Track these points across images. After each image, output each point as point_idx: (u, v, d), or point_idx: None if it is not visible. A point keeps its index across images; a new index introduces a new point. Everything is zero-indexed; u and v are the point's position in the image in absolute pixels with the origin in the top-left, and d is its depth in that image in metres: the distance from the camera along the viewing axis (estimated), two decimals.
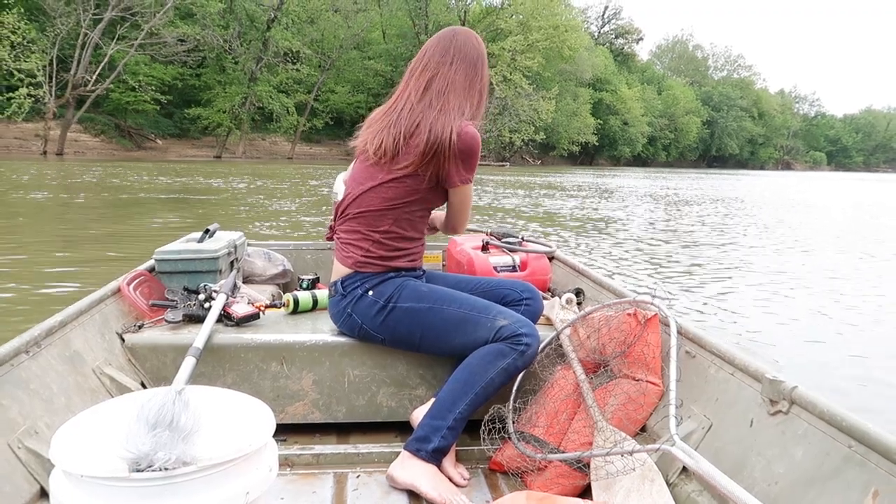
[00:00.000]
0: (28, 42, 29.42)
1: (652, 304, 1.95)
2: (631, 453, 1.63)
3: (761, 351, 4.26)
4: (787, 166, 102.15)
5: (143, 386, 1.93)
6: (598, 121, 58.97)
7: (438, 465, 1.79)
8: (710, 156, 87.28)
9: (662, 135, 73.47)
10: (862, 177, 72.01)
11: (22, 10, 29.48)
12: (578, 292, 2.64)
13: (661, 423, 1.84)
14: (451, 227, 2.16)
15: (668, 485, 1.63)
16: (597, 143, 60.23)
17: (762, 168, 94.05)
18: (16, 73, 29.01)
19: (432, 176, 1.90)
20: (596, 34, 75.63)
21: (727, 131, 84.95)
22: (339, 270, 2.01)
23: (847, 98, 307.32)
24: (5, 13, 28.77)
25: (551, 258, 3.05)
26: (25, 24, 29.28)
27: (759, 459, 1.50)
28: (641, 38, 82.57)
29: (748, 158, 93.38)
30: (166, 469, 1.07)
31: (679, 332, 1.89)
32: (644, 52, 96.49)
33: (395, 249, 1.96)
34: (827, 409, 1.37)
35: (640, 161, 71.36)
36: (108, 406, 1.29)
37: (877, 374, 3.93)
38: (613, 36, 79.84)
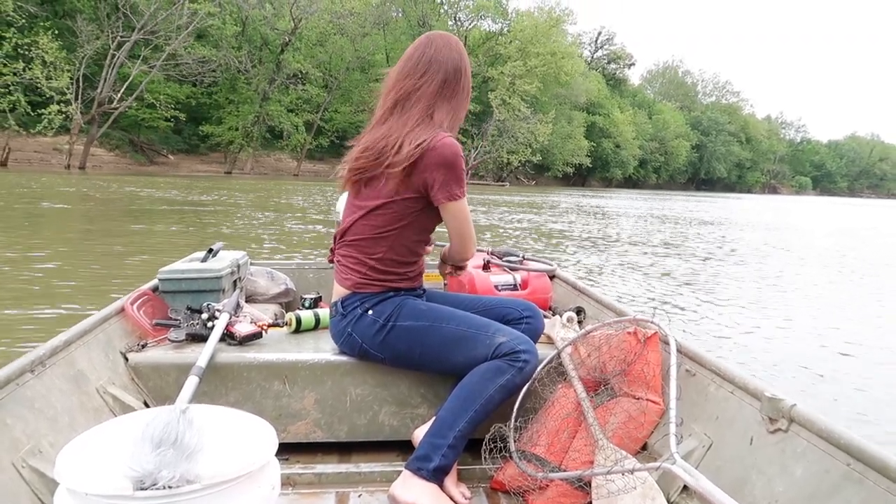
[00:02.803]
0: (60, 62, 29.83)
1: (652, 322, 1.91)
2: (632, 472, 1.59)
3: (759, 368, 4.21)
4: (774, 190, 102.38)
5: (147, 405, 1.88)
6: (592, 143, 59.21)
7: (440, 484, 1.73)
8: (699, 179, 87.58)
9: (653, 158, 73.74)
10: (846, 201, 72.20)
11: (55, 31, 29.94)
12: (579, 311, 2.59)
13: (662, 442, 1.80)
14: (457, 252, 2.05)
15: (669, 503, 1.60)
16: (590, 165, 60.52)
17: (749, 191, 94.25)
18: (47, 90, 29.44)
19: (419, 196, 1.83)
20: (589, 59, 76.00)
21: (716, 155, 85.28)
22: (339, 291, 1.97)
23: (832, 125, 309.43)
24: (40, 35, 29.17)
25: (552, 277, 3.00)
26: (58, 44, 29.69)
27: (759, 477, 1.47)
28: (633, 64, 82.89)
29: (736, 182, 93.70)
30: (170, 487, 1.07)
31: (679, 351, 1.86)
32: (635, 77, 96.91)
33: (392, 273, 1.92)
34: (826, 427, 1.35)
35: (630, 183, 71.61)
36: (112, 425, 1.27)
37: (875, 392, 3.88)
38: (606, 61, 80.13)
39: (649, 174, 75.22)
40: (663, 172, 77.91)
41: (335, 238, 2.03)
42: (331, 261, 2.09)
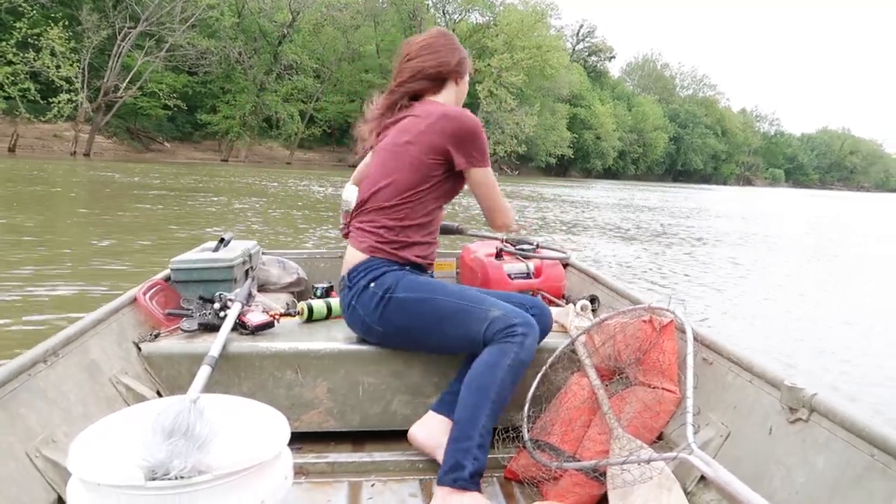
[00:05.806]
0: (67, 52, 29.57)
1: (668, 310, 1.83)
2: (648, 462, 1.53)
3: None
4: (748, 182, 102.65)
5: (159, 395, 1.82)
6: (574, 135, 59.14)
7: (480, 489, 1.58)
8: (676, 170, 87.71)
9: (632, 149, 73.63)
10: (819, 193, 72.70)
11: (66, 22, 29.62)
12: (593, 299, 2.51)
13: (679, 431, 1.72)
14: (489, 219, 2.00)
15: (686, 493, 1.53)
16: (572, 156, 60.50)
17: (724, 183, 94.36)
18: (56, 80, 29.26)
19: (443, 161, 1.82)
20: (571, 52, 75.41)
21: (692, 147, 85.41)
22: (350, 260, 1.89)
23: (805, 118, 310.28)
24: (51, 26, 28.80)
25: (566, 265, 2.92)
26: (67, 35, 29.36)
27: (778, 468, 1.40)
28: (613, 57, 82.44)
29: (711, 173, 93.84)
30: (182, 477, 1.05)
31: (695, 339, 1.77)
32: (615, 70, 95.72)
33: (406, 238, 1.85)
34: (848, 417, 1.28)
35: (610, 174, 71.53)
36: (125, 415, 1.24)
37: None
38: (587, 54, 79.60)
39: (628, 165, 75.21)
40: (641, 164, 77.91)
41: (353, 210, 1.97)
42: (345, 235, 2.01)
